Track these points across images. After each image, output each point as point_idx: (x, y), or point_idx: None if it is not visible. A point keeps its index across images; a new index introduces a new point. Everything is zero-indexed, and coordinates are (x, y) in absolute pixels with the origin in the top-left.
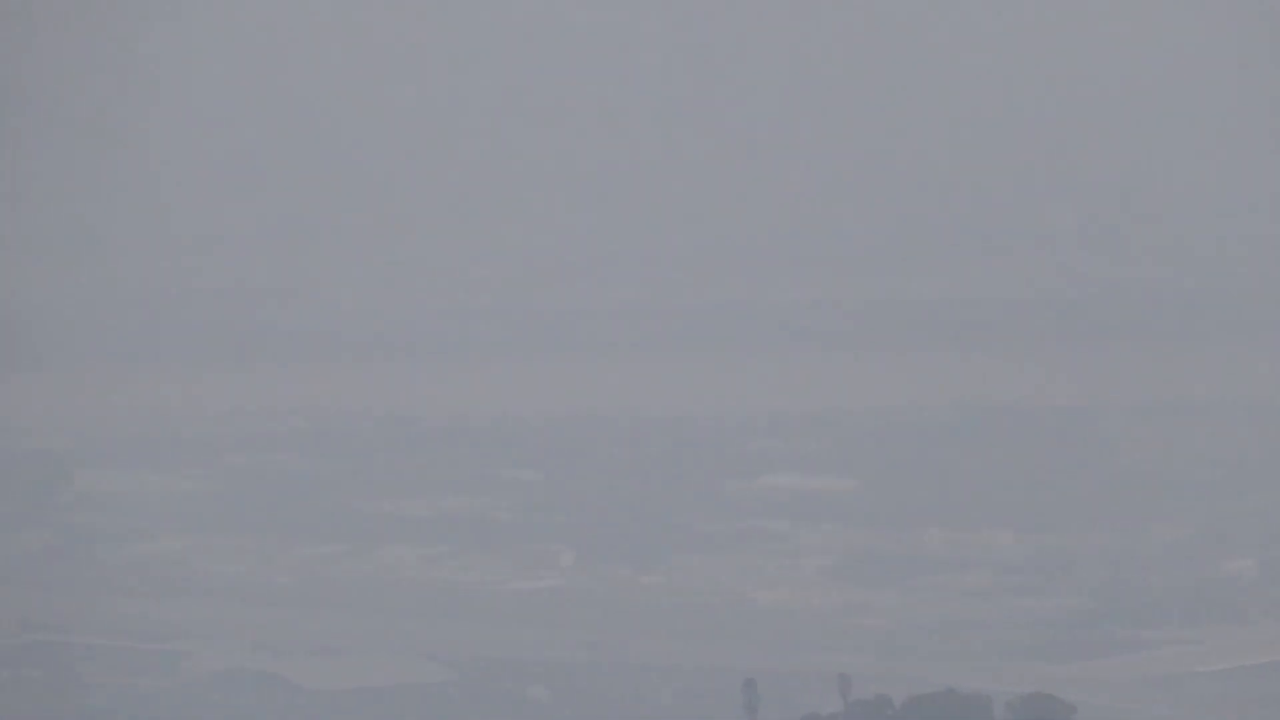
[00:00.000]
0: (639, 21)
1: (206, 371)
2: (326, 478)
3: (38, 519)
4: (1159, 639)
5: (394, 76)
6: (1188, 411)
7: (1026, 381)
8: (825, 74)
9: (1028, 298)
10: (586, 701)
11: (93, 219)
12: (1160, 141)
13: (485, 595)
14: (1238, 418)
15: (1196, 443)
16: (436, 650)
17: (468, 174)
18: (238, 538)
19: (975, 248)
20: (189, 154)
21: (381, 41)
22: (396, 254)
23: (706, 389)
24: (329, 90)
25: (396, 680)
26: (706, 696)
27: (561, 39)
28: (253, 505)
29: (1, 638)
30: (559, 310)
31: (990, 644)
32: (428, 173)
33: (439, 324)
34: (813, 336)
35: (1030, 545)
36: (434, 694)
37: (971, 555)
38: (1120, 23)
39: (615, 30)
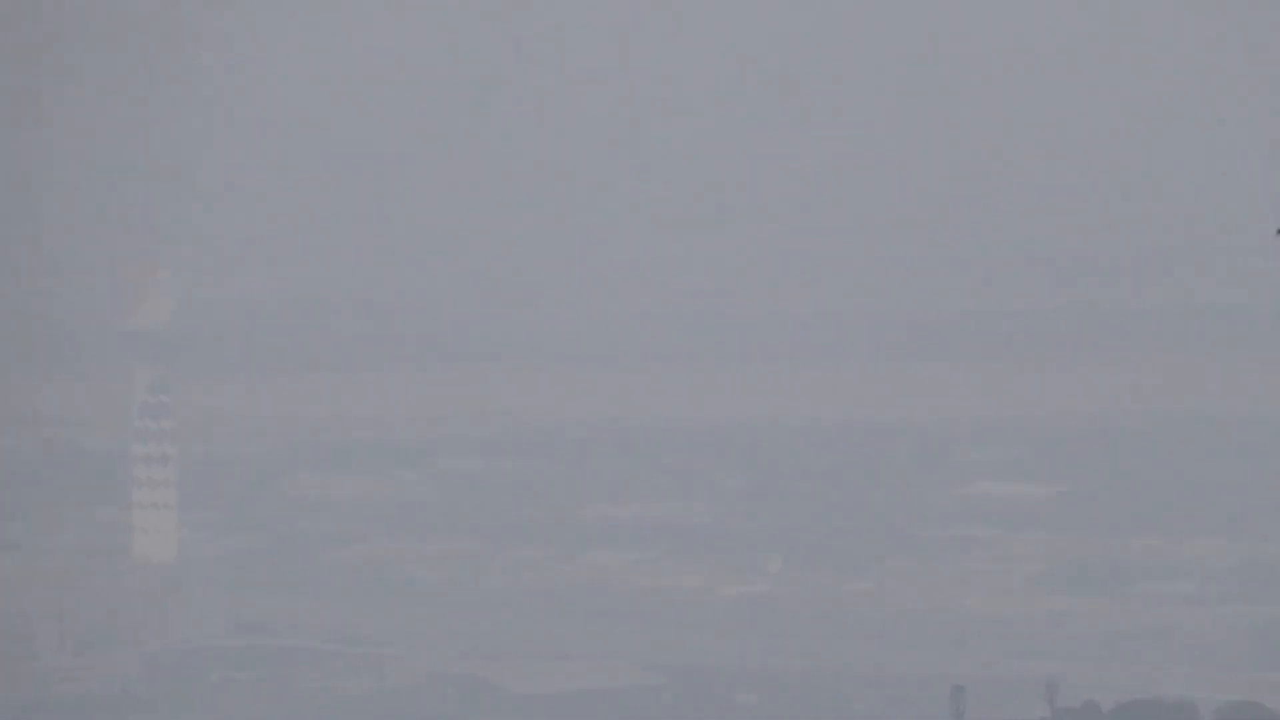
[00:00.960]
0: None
1: (416, 376)
2: (534, 482)
3: (249, 523)
4: None
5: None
6: None
7: (1235, 388)
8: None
9: (1237, 302)
10: (794, 707)
11: (275, 224)
12: None
13: (692, 601)
14: None
15: None
16: (644, 655)
17: (659, 176)
18: (446, 542)
19: (1184, 251)
20: (360, 158)
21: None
22: (602, 260)
23: (910, 395)
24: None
25: (604, 685)
26: (914, 703)
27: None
28: (461, 509)
29: (212, 640)
30: (763, 316)
31: (1198, 651)
32: (612, 176)
33: (646, 329)
34: (1016, 343)
35: (1239, 553)
36: (642, 699)
37: (1180, 563)
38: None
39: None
